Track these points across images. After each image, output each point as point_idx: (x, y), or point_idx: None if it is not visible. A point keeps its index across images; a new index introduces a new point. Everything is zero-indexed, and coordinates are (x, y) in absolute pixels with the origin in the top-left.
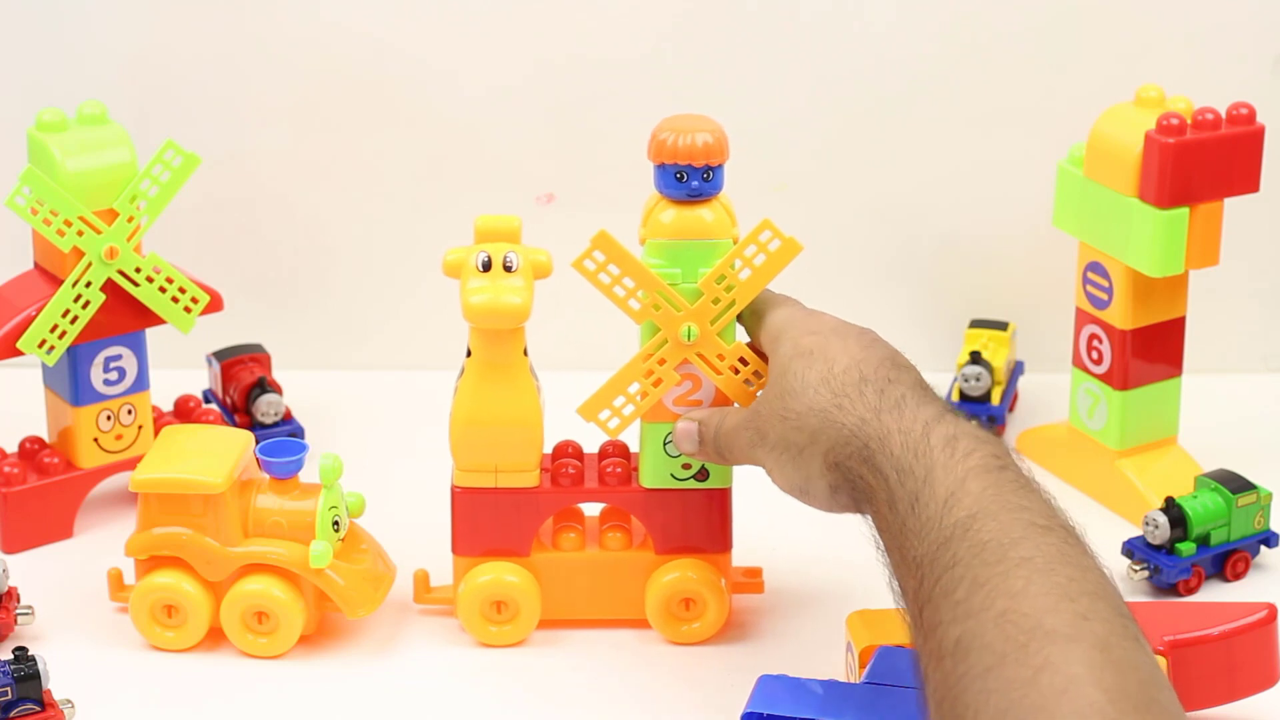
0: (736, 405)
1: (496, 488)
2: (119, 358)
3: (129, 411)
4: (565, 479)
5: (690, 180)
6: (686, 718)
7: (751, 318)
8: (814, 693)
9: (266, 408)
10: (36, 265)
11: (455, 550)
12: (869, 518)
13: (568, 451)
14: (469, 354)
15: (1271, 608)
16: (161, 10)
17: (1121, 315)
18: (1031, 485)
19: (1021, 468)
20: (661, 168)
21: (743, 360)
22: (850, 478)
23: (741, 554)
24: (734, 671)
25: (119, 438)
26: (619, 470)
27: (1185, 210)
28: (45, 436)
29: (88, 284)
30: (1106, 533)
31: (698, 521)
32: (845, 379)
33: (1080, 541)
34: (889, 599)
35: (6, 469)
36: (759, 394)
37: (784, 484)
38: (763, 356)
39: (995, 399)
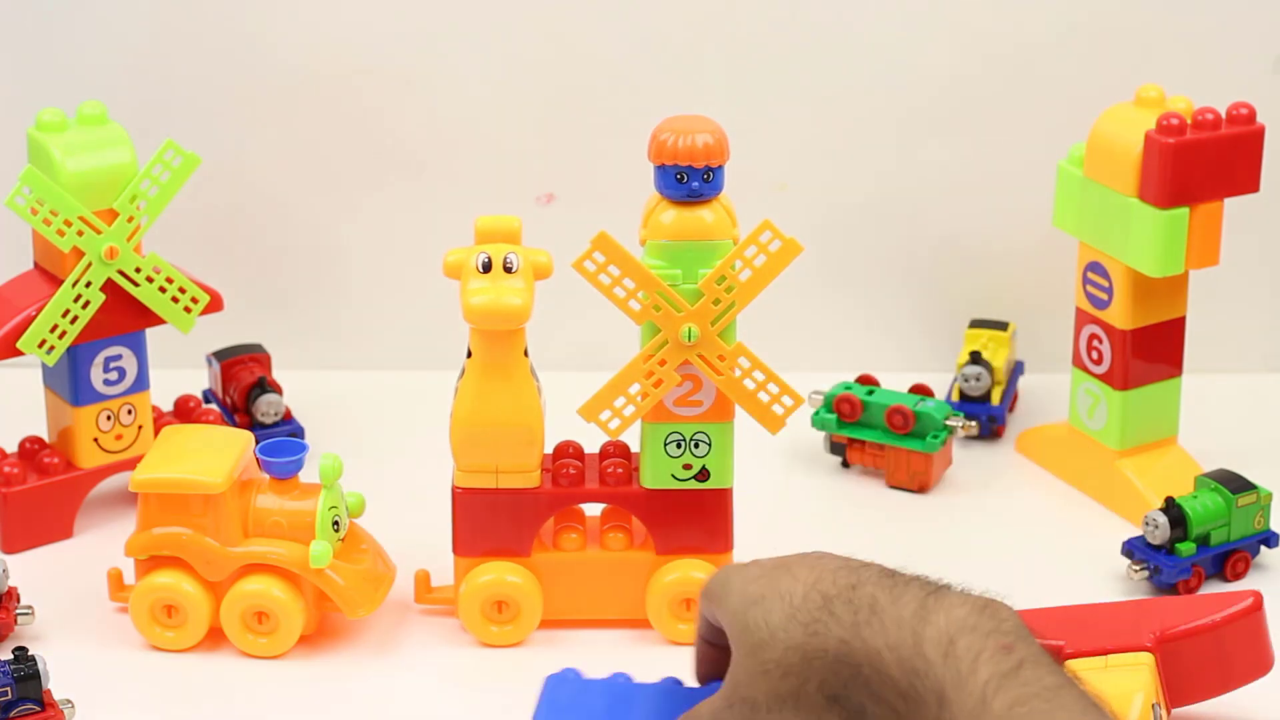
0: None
1: (497, 488)
2: (119, 358)
3: (129, 411)
4: (566, 479)
5: (690, 181)
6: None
7: (704, 599)
8: (602, 695)
9: (266, 408)
10: (36, 265)
11: (456, 551)
12: None
13: (568, 452)
14: (469, 354)
15: (1256, 595)
16: (161, 10)
17: (1121, 315)
18: (1053, 677)
19: (1029, 643)
20: (662, 168)
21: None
22: (855, 711)
23: (742, 554)
24: None
25: (119, 438)
26: (620, 470)
27: (1185, 210)
28: (45, 436)
29: (88, 284)
30: (1106, 533)
31: (699, 522)
32: (808, 606)
33: None
34: None
35: (6, 469)
36: (730, 665)
37: None
38: (720, 637)
39: (995, 399)
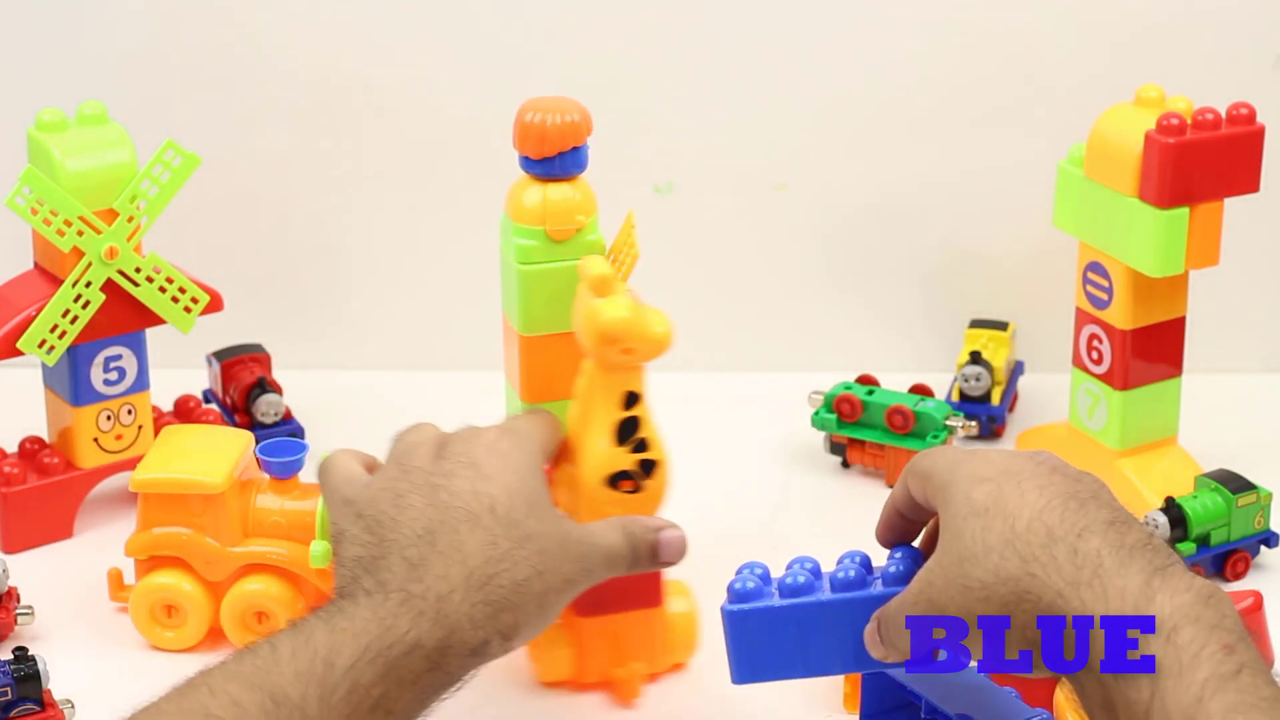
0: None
1: None
2: (119, 358)
3: (129, 411)
4: None
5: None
6: (686, 718)
7: (914, 476)
8: (789, 620)
9: (266, 408)
10: (36, 265)
11: None
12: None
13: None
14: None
15: (1257, 594)
16: (161, 10)
17: (1121, 315)
18: (1270, 688)
19: (1249, 647)
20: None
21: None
22: None
23: (741, 554)
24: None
25: (119, 438)
26: None
27: (1185, 210)
28: (45, 436)
29: (88, 284)
30: None
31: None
32: (1031, 538)
33: None
34: None
35: (6, 469)
36: (928, 564)
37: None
38: (916, 512)
39: (995, 399)
